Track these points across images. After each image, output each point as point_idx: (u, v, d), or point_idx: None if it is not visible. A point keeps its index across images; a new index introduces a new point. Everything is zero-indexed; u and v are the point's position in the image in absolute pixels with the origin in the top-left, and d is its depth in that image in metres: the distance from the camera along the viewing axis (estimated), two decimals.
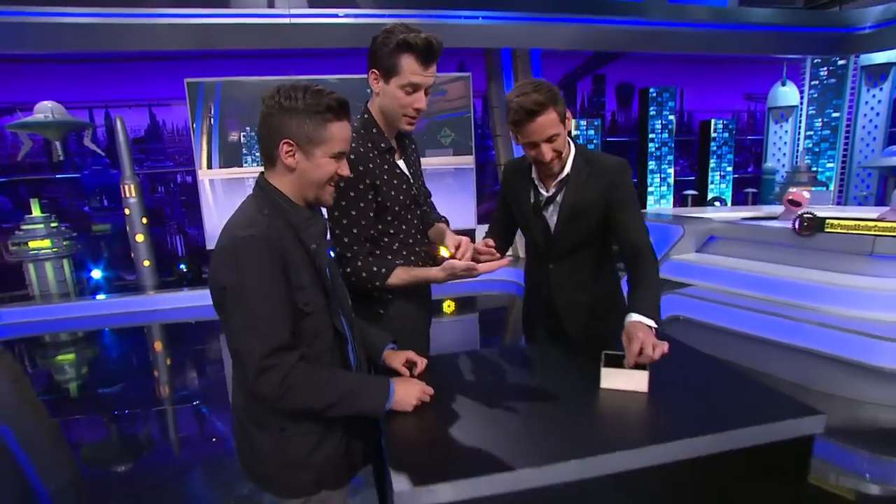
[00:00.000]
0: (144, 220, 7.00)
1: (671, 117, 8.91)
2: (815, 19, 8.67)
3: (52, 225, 6.74)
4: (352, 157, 1.52)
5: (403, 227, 1.70)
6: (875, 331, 3.33)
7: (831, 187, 9.29)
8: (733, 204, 9.34)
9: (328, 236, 1.47)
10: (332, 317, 1.30)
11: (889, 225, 3.44)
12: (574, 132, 8.62)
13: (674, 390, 1.33)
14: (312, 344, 1.26)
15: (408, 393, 1.28)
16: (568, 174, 1.69)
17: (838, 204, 9.26)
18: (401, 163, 1.69)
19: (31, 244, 6.57)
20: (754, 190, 9.12)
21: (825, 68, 9.18)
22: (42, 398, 4.23)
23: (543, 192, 1.74)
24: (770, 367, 3.68)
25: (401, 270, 1.61)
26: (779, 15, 8.54)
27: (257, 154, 6.70)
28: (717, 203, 8.48)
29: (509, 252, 2.09)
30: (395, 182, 1.63)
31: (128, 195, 6.86)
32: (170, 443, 3.39)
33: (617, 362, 1.34)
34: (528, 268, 1.96)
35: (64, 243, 6.79)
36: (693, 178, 9.75)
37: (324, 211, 1.44)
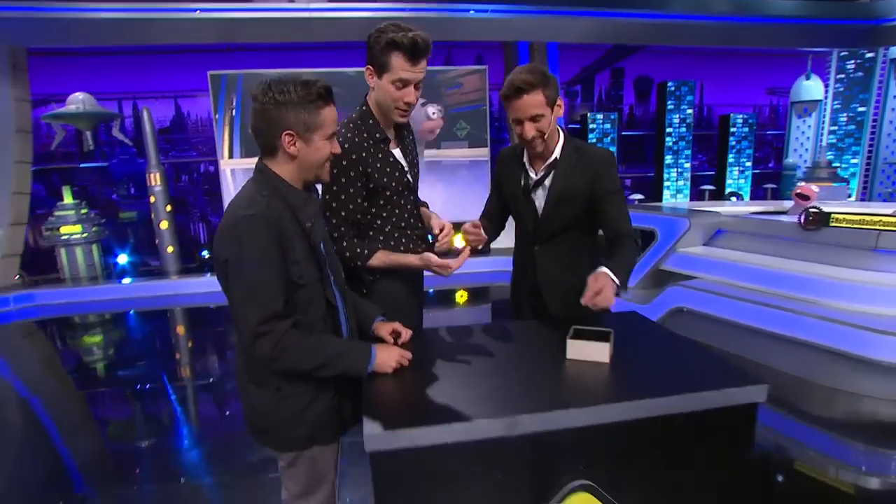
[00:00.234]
0: (169, 208, 7.28)
1: (689, 111, 8.83)
2: (843, 11, 8.46)
3: (83, 211, 7.07)
4: (346, 146, 1.65)
5: (397, 210, 1.82)
6: (877, 325, 3.32)
7: (854, 183, 9.11)
8: (752, 199, 9.23)
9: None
10: (324, 289, 1.43)
11: (893, 220, 3.42)
12: (590, 125, 8.63)
13: (633, 361, 1.43)
14: (306, 312, 1.39)
15: (388, 357, 1.41)
16: (556, 159, 1.80)
17: (862, 200, 9.08)
18: (396, 151, 1.81)
19: (63, 229, 6.90)
20: (773, 185, 8.99)
21: (852, 61, 8.97)
22: (71, 375, 4.50)
23: (532, 174, 1.85)
24: (772, 360, 3.70)
25: (381, 253, 1.75)
26: (804, 7, 8.35)
27: None
28: (733, 198, 8.40)
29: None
30: (389, 169, 1.76)
31: (153, 184, 7.14)
32: (188, 416, 3.60)
33: (583, 336, 1.44)
34: (516, 250, 2.07)
35: (93, 229, 7.11)
36: (712, 173, 9.65)
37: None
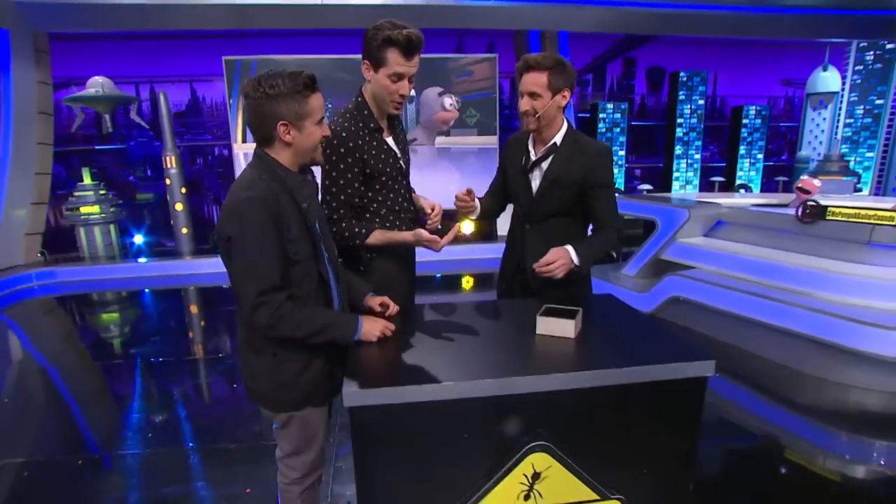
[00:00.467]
0: (183, 190, 7.48)
1: (700, 102, 8.78)
2: (862, 1, 8.31)
3: (101, 192, 7.32)
4: (343, 134, 1.78)
5: (391, 195, 1.95)
6: (867, 318, 3.36)
7: (869, 177, 9.00)
8: (764, 192, 9.17)
9: (319, 198, 1.73)
10: (318, 265, 1.56)
11: (887, 214, 3.45)
12: (600, 115, 8.63)
13: (596, 336, 1.54)
14: (301, 286, 1.52)
15: (373, 327, 1.54)
16: (555, 144, 1.92)
17: (876, 194, 8.97)
18: (389, 140, 1.93)
19: (83, 209, 7.16)
20: (785, 178, 8.92)
21: (871, 52, 8.80)
22: (89, 348, 4.74)
23: (533, 156, 1.98)
24: (764, 350, 3.78)
25: (378, 232, 1.87)
26: None
27: None
28: (742, 190, 8.37)
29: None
30: (383, 157, 1.88)
31: (169, 166, 7.34)
32: (197, 387, 3.79)
33: (552, 313, 1.55)
34: (509, 229, 2.19)
35: (111, 209, 7.36)
36: (723, 164, 9.60)
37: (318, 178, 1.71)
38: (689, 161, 8.98)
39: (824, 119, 9.12)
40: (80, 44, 7.71)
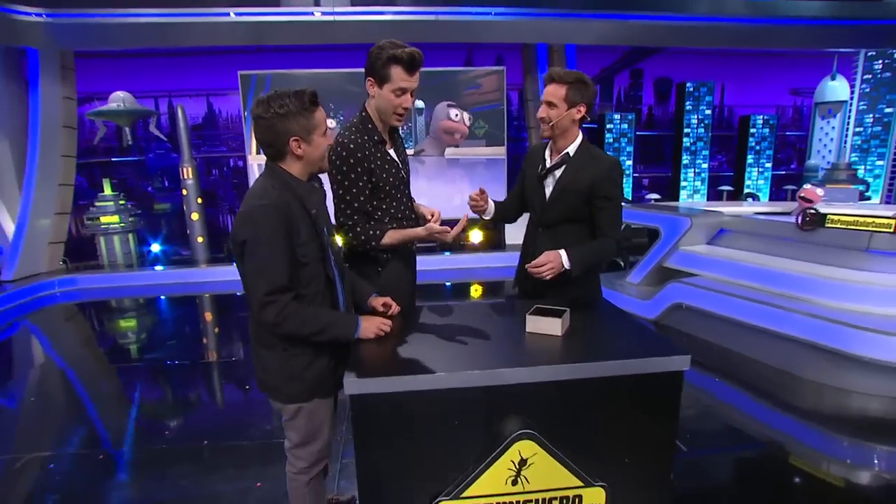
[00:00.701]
0: (199, 201, 7.71)
1: (708, 112, 8.84)
2: (869, 11, 8.34)
3: (121, 202, 7.57)
4: (351, 146, 1.92)
5: (394, 203, 2.08)
6: (865, 323, 3.40)
7: (879, 185, 8.97)
8: (772, 200, 9.18)
9: (329, 207, 1.87)
10: (325, 267, 1.70)
11: (884, 221, 3.50)
12: (607, 125, 8.73)
13: (583, 334, 1.65)
14: (308, 286, 1.65)
15: (371, 325, 1.66)
16: (568, 154, 2.07)
17: (887, 202, 8.92)
18: (391, 152, 2.07)
19: (103, 219, 7.41)
20: (794, 187, 8.91)
21: (880, 61, 8.82)
22: (108, 352, 4.92)
23: (548, 162, 2.13)
24: (766, 355, 3.83)
25: (392, 232, 2.01)
26: (830, 7, 8.27)
27: None
28: (749, 199, 8.38)
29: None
30: (387, 167, 2.02)
31: (186, 177, 7.58)
32: (213, 390, 3.94)
33: (541, 313, 1.66)
34: (525, 232, 2.32)
35: (130, 219, 7.61)
36: (731, 173, 9.63)
37: (327, 189, 1.85)
38: (696, 170, 9.03)
39: (833, 128, 9.12)
40: (104, 61, 8.01)
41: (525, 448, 1.42)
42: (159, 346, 4.87)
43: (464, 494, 1.43)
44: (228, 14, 6.83)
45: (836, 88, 8.89)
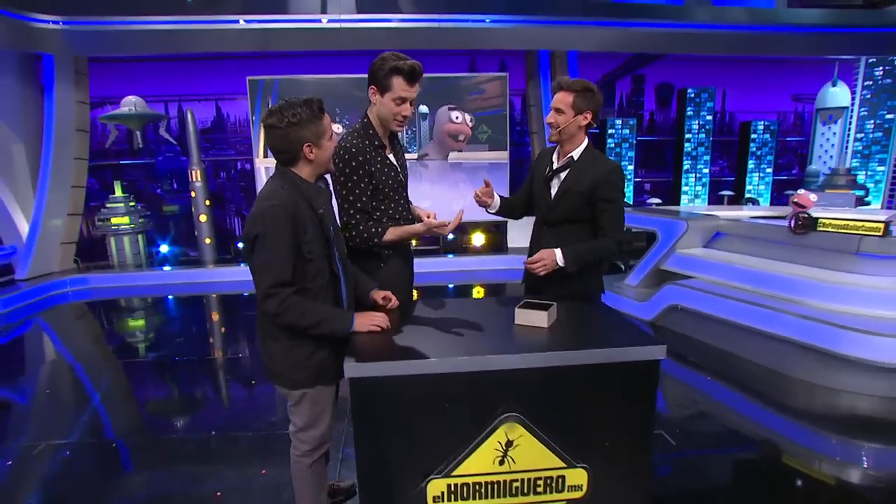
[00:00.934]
0: (207, 203, 7.88)
1: (709, 118, 8.94)
2: (871, 18, 8.42)
3: (131, 204, 7.75)
4: (353, 150, 2.05)
5: (392, 204, 2.21)
6: (855, 324, 3.49)
7: (881, 191, 9.01)
8: (772, 205, 9.24)
9: (334, 206, 2.00)
10: (330, 263, 1.82)
11: (873, 225, 3.59)
12: (609, 131, 8.84)
13: (568, 327, 1.76)
14: (314, 281, 1.78)
15: (365, 320, 1.77)
16: (573, 158, 2.21)
17: (889, 207, 8.96)
18: (390, 156, 2.20)
19: (114, 220, 7.59)
20: (794, 192, 8.99)
21: (880, 68, 8.89)
22: (117, 349, 5.06)
23: (555, 164, 2.27)
24: (758, 356, 3.91)
25: (392, 229, 2.13)
26: (831, 15, 8.35)
27: None
28: (750, 204, 8.46)
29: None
30: (386, 170, 2.15)
31: (194, 180, 7.75)
32: (219, 385, 4.06)
33: (529, 306, 1.78)
34: (532, 231, 2.44)
35: (139, 220, 7.79)
36: (732, 178, 9.71)
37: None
38: (697, 175, 9.12)
39: (834, 134, 9.19)
40: (116, 66, 8.21)
41: (511, 430, 1.53)
42: (167, 344, 5.02)
43: (454, 473, 1.55)
44: (238, 21, 7.01)
45: (838, 95, 8.96)
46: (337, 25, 7.13)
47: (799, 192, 4.56)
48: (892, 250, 3.62)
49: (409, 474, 1.55)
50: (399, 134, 2.30)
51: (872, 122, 9.00)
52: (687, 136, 8.96)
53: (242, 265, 7.46)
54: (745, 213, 5.63)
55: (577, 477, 1.60)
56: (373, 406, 1.50)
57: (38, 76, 7.29)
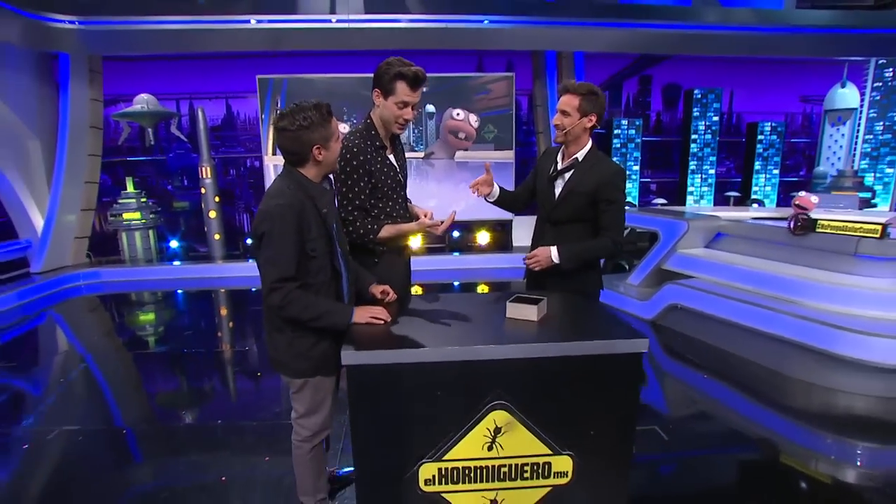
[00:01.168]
0: (217, 199, 8.01)
1: (715, 118, 8.94)
2: (880, 19, 8.38)
3: (142, 200, 7.91)
4: (354, 150, 2.14)
5: (390, 203, 2.30)
6: (852, 325, 3.52)
7: (889, 193, 8.96)
8: (779, 206, 9.22)
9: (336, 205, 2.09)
10: (332, 259, 1.91)
11: (872, 227, 3.62)
12: (615, 131, 8.87)
13: (556, 321, 1.83)
14: (317, 276, 1.87)
15: (363, 314, 1.85)
16: (577, 159, 2.29)
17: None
18: (391, 157, 2.29)
19: (125, 216, 7.75)
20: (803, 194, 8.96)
21: (890, 69, 8.83)
22: (129, 340, 5.19)
23: (559, 164, 2.35)
24: (757, 356, 3.95)
25: (387, 226, 2.22)
26: (841, 16, 8.32)
27: None
28: (755, 205, 8.45)
29: None
30: (386, 170, 2.24)
31: (204, 176, 7.89)
32: (226, 376, 4.17)
33: (520, 300, 1.85)
34: (534, 228, 2.52)
35: (150, 216, 7.94)
36: (738, 179, 9.69)
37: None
38: (703, 176, 9.12)
39: (843, 135, 9.14)
40: (129, 64, 8.36)
41: (499, 417, 1.61)
42: (177, 336, 5.14)
43: (445, 457, 1.63)
44: (249, 21, 7.14)
45: (846, 96, 8.91)
46: (346, 25, 7.23)
47: (800, 193, 4.58)
48: (889, 252, 3.65)
49: (403, 458, 1.63)
50: (402, 134, 2.38)
51: (882, 123, 8.95)
52: (693, 136, 8.97)
53: (250, 261, 7.59)
54: (747, 214, 5.65)
55: (563, 464, 1.67)
56: (369, 393, 1.58)
57: (54, 74, 7.46)
